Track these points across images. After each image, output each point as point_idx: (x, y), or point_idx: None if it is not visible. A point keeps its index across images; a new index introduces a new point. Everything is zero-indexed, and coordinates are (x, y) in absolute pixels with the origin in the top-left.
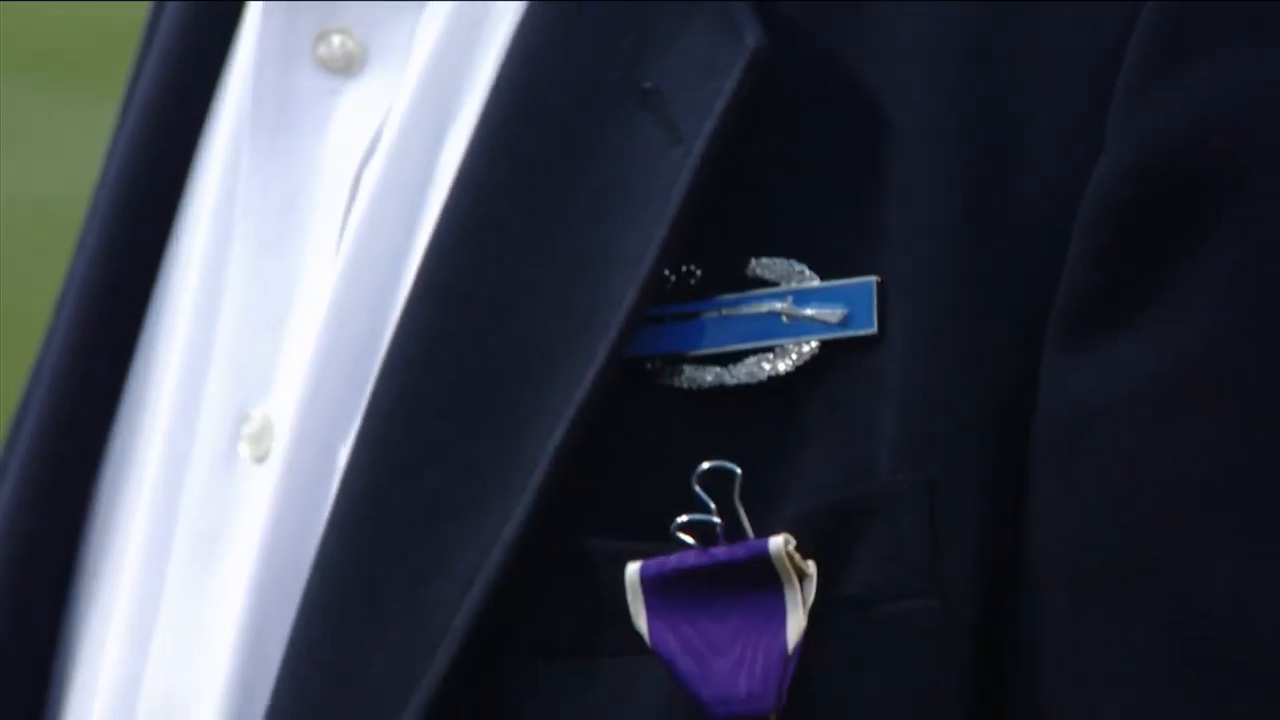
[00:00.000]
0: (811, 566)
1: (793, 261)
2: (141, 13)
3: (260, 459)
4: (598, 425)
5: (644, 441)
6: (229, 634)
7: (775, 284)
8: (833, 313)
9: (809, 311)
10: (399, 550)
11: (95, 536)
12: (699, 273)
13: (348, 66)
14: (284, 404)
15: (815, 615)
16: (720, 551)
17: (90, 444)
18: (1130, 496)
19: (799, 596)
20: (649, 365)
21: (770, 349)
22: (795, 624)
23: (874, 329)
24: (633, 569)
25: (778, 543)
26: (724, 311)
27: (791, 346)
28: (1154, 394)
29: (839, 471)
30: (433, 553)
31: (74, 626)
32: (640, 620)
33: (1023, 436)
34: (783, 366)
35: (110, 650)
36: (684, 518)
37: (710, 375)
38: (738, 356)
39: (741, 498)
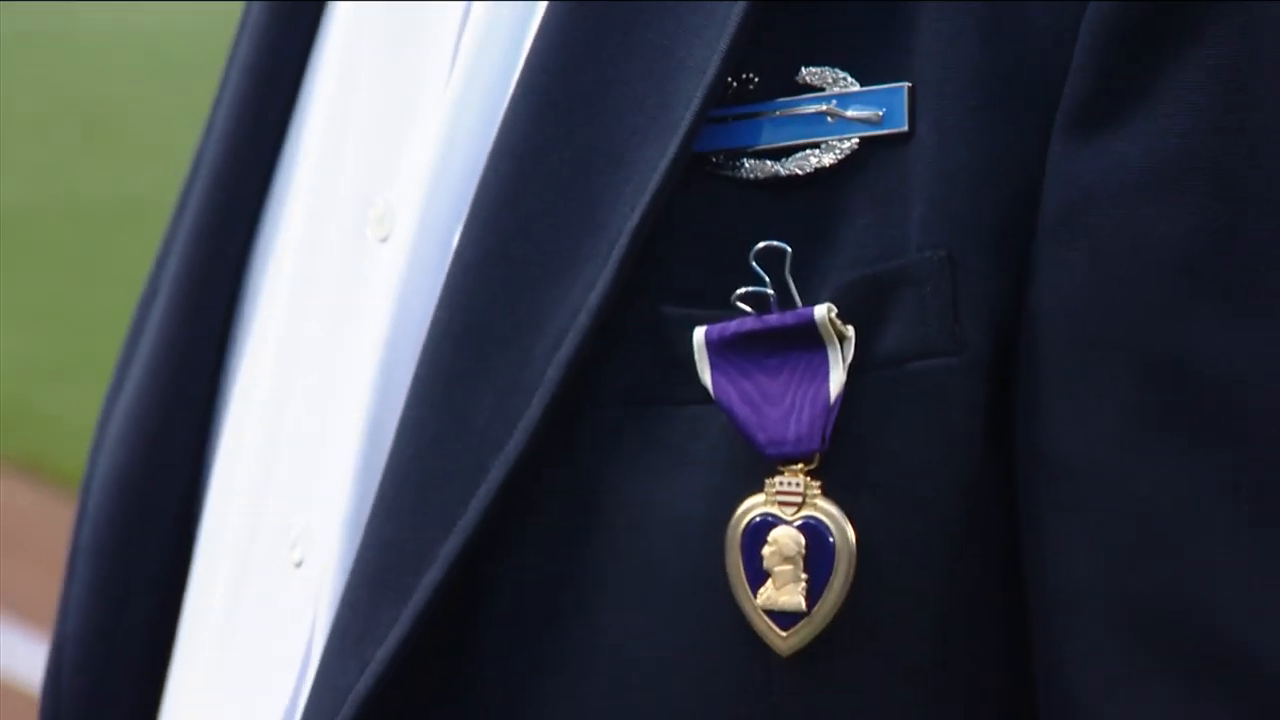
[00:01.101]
0: (850, 330)
1: (837, 69)
2: None
3: (383, 239)
4: (669, 209)
5: (709, 224)
6: (363, 385)
7: (821, 89)
8: (871, 113)
9: (850, 113)
10: (501, 313)
11: (246, 307)
12: (756, 79)
13: None
14: (405, 193)
15: (853, 371)
16: (773, 318)
17: (242, 229)
18: (1121, 266)
19: (840, 355)
20: (714, 159)
21: (817, 145)
22: (837, 378)
23: (905, 127)
24: (699, 332)
25: (822, 310)
26: (778, 113)
27: (835, 142)
28: (1141, 179)
29: (874, 249)
30: (529, 315)
31: (229, 381)
32: (705, 376)
33: (1031, 219)
34: (828, 160)
35: (257, 399)
36: (743, 290)
37: (766, 167)
38: (789, 151)
39: (791, 272)
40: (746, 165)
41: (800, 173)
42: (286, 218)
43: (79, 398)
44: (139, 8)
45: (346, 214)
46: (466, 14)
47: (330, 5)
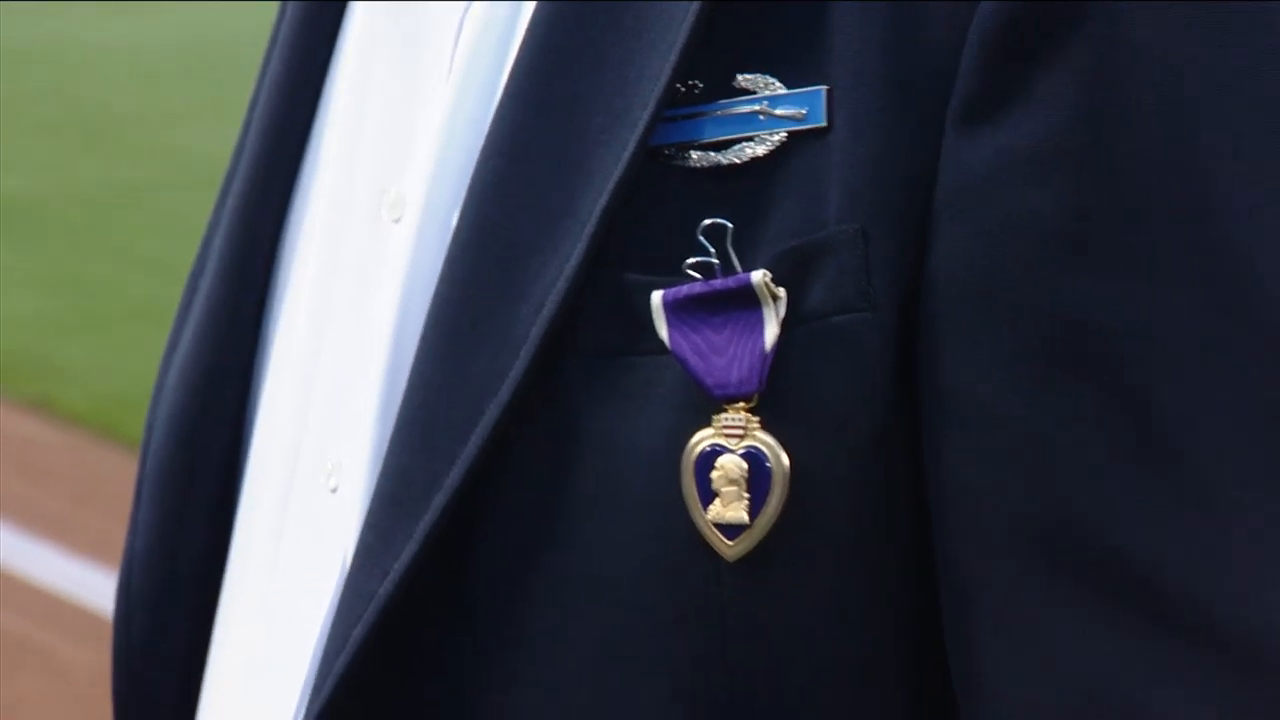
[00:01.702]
0: (782, 291)
1: (767, 75)
2: None
3: (397, 220)
4: (631, 194)
5: (663, 206)
6: (382, 342)
7: (754, 92)
8: (796, 111)
9: (779, 111)
10: (492, 282)
11: (281, 277)
12: (701, 85)
13: None
14: (413, 181)
15: (785, 325)
16: (718, 282)
17: (276, 212)
18: (1002, 236)
19: (773, 313)
20: (667, 151)
21: (752, 138)
22: (771, 332)
23: (825, 123)
24: (657, 295)
25: (758, 275)
26: (719, 112)
27: (767, 136)
28: (1018, 164)
29: (800, 225)
30: (515, 284)
31: (267, 340)
32: (663, 331)
33: (929, 199)
34: (761, 151)
35: (293, 354)
36: (692, 260)
37: (710, 158)
38: (729, 144)
39: (732, 245)
40: (694, 156)
41: (738, 162)
42: (313, 202)
43: (81, 349)
44: (130, 20)
45: (365, 199)
46: (464, 15)
47: (351, 5)
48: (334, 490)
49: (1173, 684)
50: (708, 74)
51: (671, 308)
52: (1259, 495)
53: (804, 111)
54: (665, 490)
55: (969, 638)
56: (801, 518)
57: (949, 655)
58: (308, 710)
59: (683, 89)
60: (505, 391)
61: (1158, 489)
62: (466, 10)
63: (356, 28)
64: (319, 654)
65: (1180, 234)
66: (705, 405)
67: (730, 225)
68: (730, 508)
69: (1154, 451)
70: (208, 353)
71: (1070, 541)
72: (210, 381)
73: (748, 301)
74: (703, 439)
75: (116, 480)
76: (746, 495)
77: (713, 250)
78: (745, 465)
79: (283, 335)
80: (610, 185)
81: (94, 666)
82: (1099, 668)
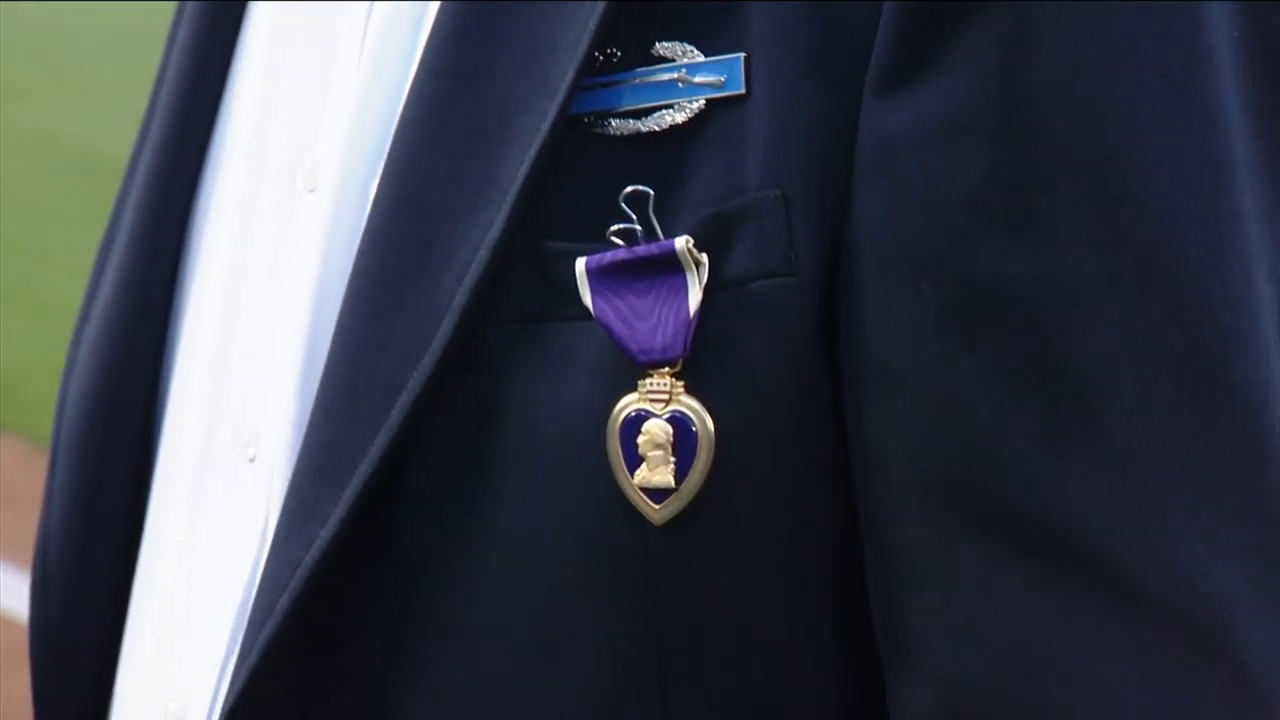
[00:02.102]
0: (704, 257)
1: (685, 43)
2: None
3: (312, 190)
4: (551, 163)
5: (584, 174)
6: (301, 310)
7: (672, 60)
8: (715, 79)
9: (698, 79)
10: (415, 251)
11: (194, 247)
12: (619, 54)
13: None
14: (328, 151)
15: (707, 291)
16: (641, 249)
17: (188, 184)
18: (918, 201)
19: (696, 278)
20: (586, 119)
21: (671, 105)
22: (694, 297)
23: (743, 90)
24: (580, 262)
25: (680, 241)
26: (638, 80)
27: (686, 104)
28: (935, 129)
29: (721, 191)
30: (438, 253)
31: (181, 310)
32: (587, 298)
33: (848, 165)
34: (680, 118)
35: (208, 323)
36: (615, 227)
37: (629, 125)
38: (648, 112)
39: (654, 211)
40: (613, 124)
41: (658, 129)
42: (224, 175)
43: None
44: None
45: (279, 170)
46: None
47: (252, 5)
48: (252, 459)
49: (1094, 637)
50: (626, 42)
51: (595, 274)
52: (1171, 447)
53: (722, 79)
54: (590, 456)
55: (893, 600)
56: (728, 481)
57: (874, 617)
58: (233, 679)
59: (601, 58)
60: (428, 360)
61: (1073, 445)
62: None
63: (262, 18)
64: (242, 623)
65: (1091, 194)
66: (630, 371)
67: (651, 192)
68: (657, 472)
69: (1068, 409)
70: (120, 324)
71: (990, 501)
72: (123, 352)
73: (670, 267)
74: (628, 404)
75: None
76: (673, 459)
77: (635, 217)
78: (670, 430)
79: (196, 305)
80: (531, 153)
81: None
82: (1020, 625)
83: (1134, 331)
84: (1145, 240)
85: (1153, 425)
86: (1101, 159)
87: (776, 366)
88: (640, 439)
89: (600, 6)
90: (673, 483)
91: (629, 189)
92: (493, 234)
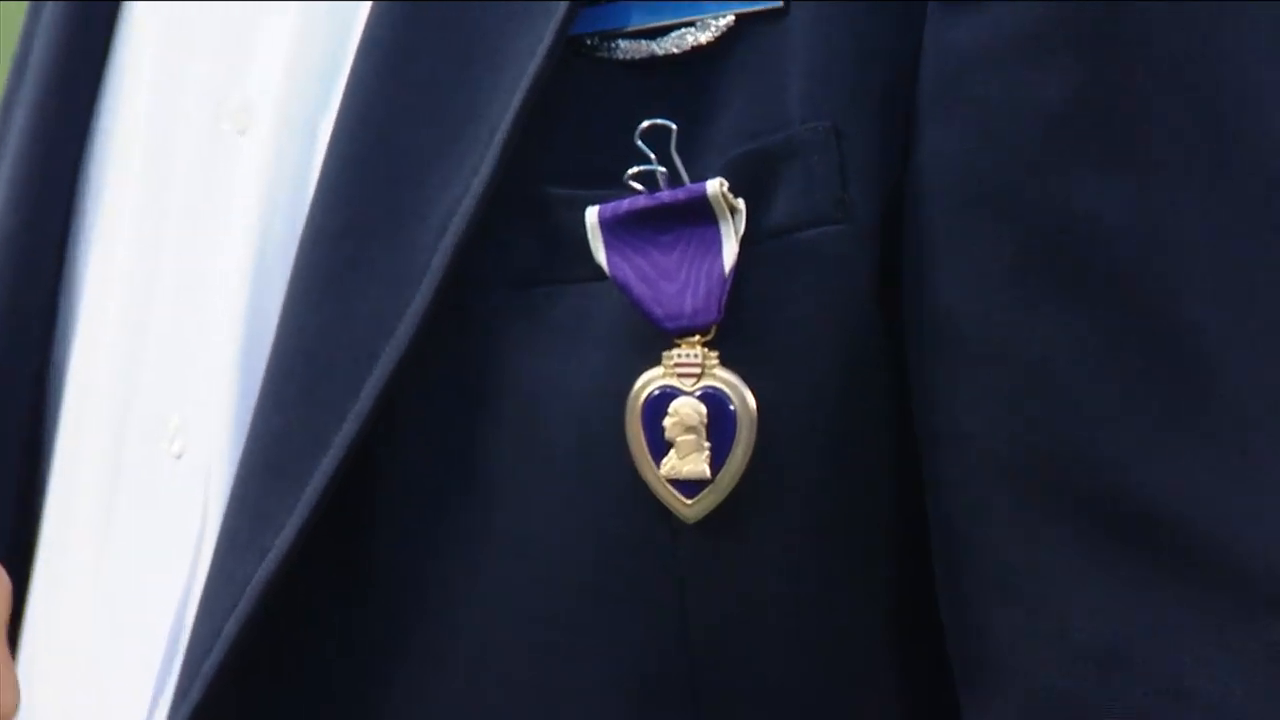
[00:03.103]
0: (741, 203)
1: None
2: None
3: (242, 131)
4: (549, 92)
5: (589, 106)
6: (238, 277)
7: None
8: None
9: None
10: (382, 205)
11: (89, 207)
12: None
13: None
14: (261, 87)
15: (745, 243)
16: (665, 194)
17: (79, 126)
18: (998, 128)
19: (731, 228)
20: (589, 41)
21: (692, 23)
22: (730, 251)
23: (780, 3)
24: (591, 212)
25: (714, 184)
26: None
27: (710, 20)
28: (1014, 44)
29: (757, 123)
30: (411, 205)
31: (76, 280)
32: (600, 255)
33: (910, 89)
34: (704, 38)
35: (114, 297)
36: (635, 169)
37: (642, 47)
38: (664, 31)
39: (678, 149)
40: (622, 46)
41: (677, 51)
42: (123, 121)
43: None
44: None
45: (198, 111)
46: None
47: None
48: (178, 456)
49: (1210, 648)
50: None
51: (610, 226)
52: None
53: None
54: (607, 443)
55: (971, 605)
56: (773, 469)
57: (947, 629)
58: (171, 716)
59: None
60: (404, 332)
61: (1183, 423)
62: None
63: None
64: (175, 655)
65: (1200, 124)
66: (653, 341)
67: (674, 127)
68: (688, 460)
69: (1177, 378)
70: (1, 290)
71: (1087, 490)
72: (6, 322)
73: (701, 217)
74: (651, 381)
75: None
76: (707, 445)
77: (654, 158)
78: (704, 409)
79: (97, 275)
80: (525, 82)
81: None
82: (1124, 633)
83: (1249, 286)
84: (1264, 181)
85: (1273, 399)
86: (1212, 86)
87: (828, 331)
88: (667, 421)
89: None
90: (708, 473)
91: (646, 123)
92: (479, 181)
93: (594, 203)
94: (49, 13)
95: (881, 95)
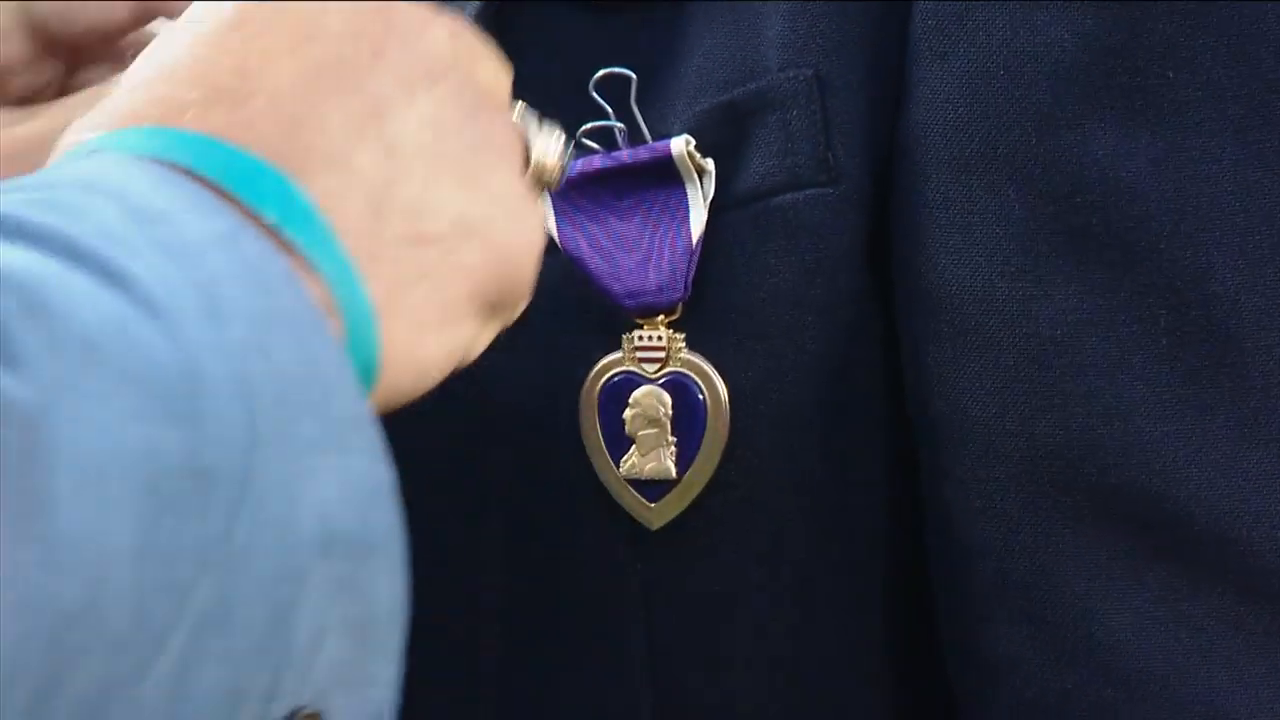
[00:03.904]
0: (710, 164)
1: None
2: None
3: None
4: (492, 34)
5: (537, 53)
6: None
7: None
8: None
9: None
10: None
11: None
12: None
13: None
14: None
15: (715, 209)
16: (624, 154)
17: None
18: (1006, 75)
19: (700, 192)
20: None
21: None
22: (698, 218)
23: None
24: None
25: (679, 143)
26: None
27: None
28: None
29: (728, 72)
30: None
31: None
32: (549, 223)
33: (902, 31)
34: None
35: None
36: (589, 125)
37: None
38: None
39: (638, 101)
40: None
41: None
42: None
43: None
44: None
45: None
46: None
47: None
48: None
49: (1242, 660)
50: None
51: (560, 191)
52: None
53: None
54: (557, 439)
55: (973, 616)
56: (748, 466)
57: (946, 642)
58: None
59: None
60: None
61: (1216, 415)
62: None
63: None
64: None
65: (1229, 71)
66: (610, 321)
67: (634, 76)
68: (651, 458)
69: (1208, 361)
70: None
71: (1103, 483)
72: None
73: (665, 179)
74: (609, 367)
75: None
76: (672, 440)
77: (610, 112)
78: (669, 399)
79: None
80: (463, 24)
81: None
82: (1146, 649)
83: None
84: None
85: None
86: (1245, 27)
87: (809, 308)
88: (627, 414)
89: None
90: (673, 472)
91: (602, 72)
92: None
93: None
94: None
95: (870, 40)
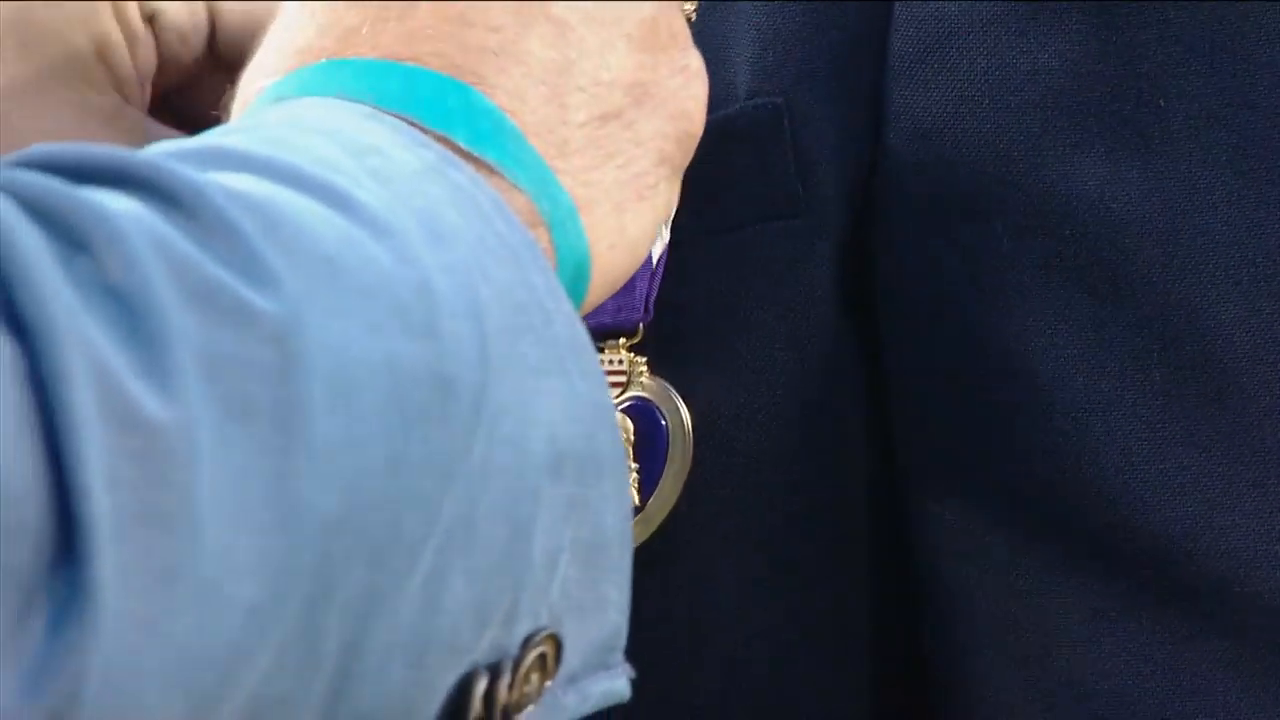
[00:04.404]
0: None
1: None
2: None
3: None
4: None
5: None
6: None
7: None
8: None
9: None
10: None
11: None
12: None
13: None
14: None
15: (685, 239)
16: None
17: None
18: (990, 104)
19: None
20: None
21: None
22: (659, 242)
23: None
24: None
25: None
26: None
27: None
28: (1013, 8)
29: None
30: None
31: None
32: None
33: (879, 59)
34: None
35: None
36: None
37: None
38: None
39: None
40: None
41: None
42: None
43: None
44: None
45: None
46: None
47: None
48: None
49: (1243, 700)
50: None
51: None
52: None
53: None
54: None
55: (962, 657)
56: (714, 495)
57: (931, 682)
58: None
59: None
60: None
61: (1212, 453)
62: None
63: None
64: None
65: (1223, 100)
66: None
67: None
68: None
69: (1203, 398)
70: None
71: (1100, 529)
72: None
73: None
74: None
75: None
76: (634, 467)
77: None
78: (630, 425)
79: None
80: None
81: None
82: (1141, 691)
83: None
84: None
85: None
86: (1239, 57)
87: (778, 334)
88: None
89: None
90: (634, 499)
91: None
92: None
93: None
94: None
95: (844, 64)
